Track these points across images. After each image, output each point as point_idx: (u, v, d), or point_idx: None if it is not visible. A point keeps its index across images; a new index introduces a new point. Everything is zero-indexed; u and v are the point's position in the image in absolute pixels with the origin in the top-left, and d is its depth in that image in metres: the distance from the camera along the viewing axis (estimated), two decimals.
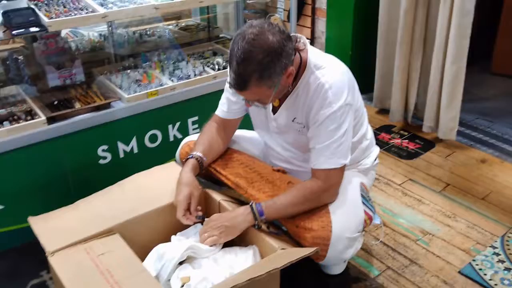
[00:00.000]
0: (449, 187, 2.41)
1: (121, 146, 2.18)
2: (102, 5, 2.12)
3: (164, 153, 2.23)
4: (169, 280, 1.50)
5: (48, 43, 2.18)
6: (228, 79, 1.51)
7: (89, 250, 1.48)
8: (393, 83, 2.92)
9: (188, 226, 1.67)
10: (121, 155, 2.19)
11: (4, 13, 1.94)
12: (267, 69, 1.43)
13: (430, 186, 2.42)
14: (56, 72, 2.15)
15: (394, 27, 2.87)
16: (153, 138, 2.27)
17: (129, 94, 2.17)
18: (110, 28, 2.53)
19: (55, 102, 2.11)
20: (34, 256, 1.72)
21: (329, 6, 3.32)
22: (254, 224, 1.59)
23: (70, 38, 2.68)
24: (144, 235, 1.65)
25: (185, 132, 2.35)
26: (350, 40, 3.20)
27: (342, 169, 1.60)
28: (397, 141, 2.85)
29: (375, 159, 1.87)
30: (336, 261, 1.69)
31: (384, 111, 3.15)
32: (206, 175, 1.86)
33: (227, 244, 1.62)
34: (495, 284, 1.80)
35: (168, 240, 1.64)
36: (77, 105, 2.09)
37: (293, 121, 1.67)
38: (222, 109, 1.83)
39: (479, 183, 2.44)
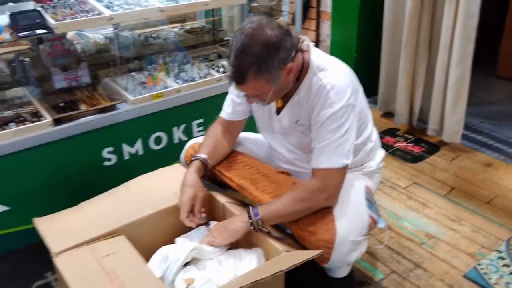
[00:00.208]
0: (454, 191, 2.40)
1: (126, 148, 2.19)
2: (108, 7, 2.13)
3: (169, 155, 2.24)
4: (173, 281, 1.50)
5: (54, 45, 2.19)
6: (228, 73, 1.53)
7: (94, 251, 1.48)
8: (398, 85, 2.92)
9: (191, 228, 1.67)
10: (126, 157, 2.20)
11: (11, 15, 1.96)
12: (264, 62, 1.44)
13: (435, 189, 2.41)
14: (62, 74, 2.16)
15: (399, 29, 2.87)
16: (158, 140, 2.28)
17: (134, 96, 2.18)
18: (115, 30, 2.54)
19: (61, 104, 2.12)
20: (39, 257, 1.73)
21: (334, 9, 3.32)
22: (252, 227, 1.57)
23: (76, 40, 2.69)
24: (149, 237, 1.65)
25: (190, 135, 2.36)
26: (355, 43, 3.20)
27: (342, 171, 1.57)
28: (402, 144, 2.84)
29: (380, 162, 1.87)
30: (340, 264, 1.68)
31: (388, 114, 3.15)
32: (210, 177, 1.86)
33: (232, 247, 1.62)
34: None
35: (172, 242, 1.65)
36: (83, 107, 2.10)
37: (296, 122, 1.67)
38: (227, 111, 1.84)
39: (484, 187, 2.43)
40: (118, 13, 2.10)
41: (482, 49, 2.80)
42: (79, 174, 2.07)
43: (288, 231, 1.69)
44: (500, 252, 1.97)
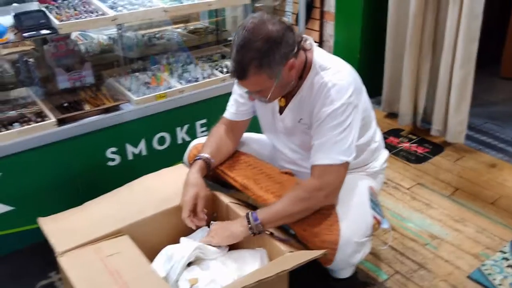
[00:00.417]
0: (458, 192, 2.39)
1: (129, 148, 2.19)
2: (112, 8, 2.14)
3: (173, 155, 2.24)
4: (177, 281, 1.51)
5: (58, 46, 2.20)
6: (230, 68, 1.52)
7: (98, 251, 1.48)
8: (402, 86, 2.92)
9: (196, 228, 1.67)
10: (130, 157, 2.20)
11: (15, 16, 1.97)
12: (265, 57, 1.44)
13: (439, 190, 2.41)
14: (66, 75, 2.16)
15: (402, 30, 2.87)
16: (161, 141, 2.28)
17: (138, 97, 2.18)
18: (119, 31, 2.54)
19: (65, 104, 2.12)
20: (43, 257, 1.74)
21: (338, 10, 3.32)
22: (252, 232, 1.55)
23: (80, 41, 2.70)
24: (153, 237, 1.65)
25: (193, 135, 2.36)
26: (359, 44, 3.20)
27: (341, 168, 1.54)
28: (406, 145, 2.84)
29: (384, 162, 1.87)
30: (344, 265, 1.68)
31: (392, 115, 3.15)
32: (214, 177, 1.86)
33: (235, 248, 1.62)
34: None
35: (176, 242, 1.64)
36: (87, 107, 2.11)
37: (299, 121, 1.67)
38: (230, 111, 1.84)
39: (488, 188, 2.42)
40: (122, 14, 2.11)
41: (485, 50, 2.79)
42: (83, 174, 2.08)
43: (292, 231, 1.68)
44: (505, 253, 1.96)
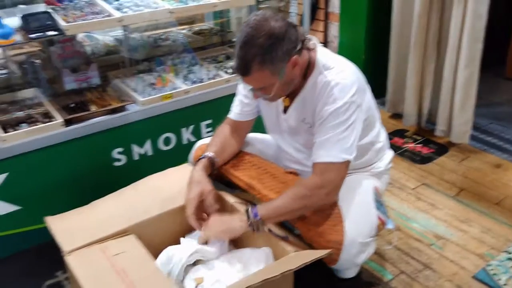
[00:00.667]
0: (463, 192, 2.39)
1: (135, 149, 2.20)
2: (118, 9, 2.15)
3: (178, 156, 2.24)
4: (181, 280, 1.51)
5: (64, 47, 2.21)
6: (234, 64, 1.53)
7: (105, 250, 1.49)
8: (407, 86, 2.91)
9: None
10: (136, 157, 2.21)
11: (22, 17, 1.98)
12: (268, 53, 1.45)
13: (444, 190, 2.40)
14: (72, 76, 2.18)
15: (407, 30, 2.87)
16: (167, 141, 2.29)
17: (143, 97, 2.19)
18: (125, 32, 2.56)
19: (72, 105, 2.14)
20: (50, 256, 1.75)
21: (342, 10, 3.32)
22: (251, 228, 1.55)
23: (85, 42, 2.71)
24: (158, 236, 1.66)
25: (198, 135, 2.37)
26: (363, 45, 3.20)
27: (343, 166, 1.54)
28: (411, 145, 2.84)
29: (389, 163, 1.87)
30: (348, 265, 1.68)
31: (397, 115, 3.15)
32: (218, 177, 1.87)
33: (239, 247, 1.63)
34: None
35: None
36: (93, 108, 2.12)
37: (303, 121, 1.67)
38: (235, 111, 1.85)
39: (494, 188, 2.42)
40: (128, 15, 2.12)
41: (490, 50, 2.78)
42: (89, 174, 2.09)
43: (296, 231, 1.69)
44: (509, 253, 1.96)
